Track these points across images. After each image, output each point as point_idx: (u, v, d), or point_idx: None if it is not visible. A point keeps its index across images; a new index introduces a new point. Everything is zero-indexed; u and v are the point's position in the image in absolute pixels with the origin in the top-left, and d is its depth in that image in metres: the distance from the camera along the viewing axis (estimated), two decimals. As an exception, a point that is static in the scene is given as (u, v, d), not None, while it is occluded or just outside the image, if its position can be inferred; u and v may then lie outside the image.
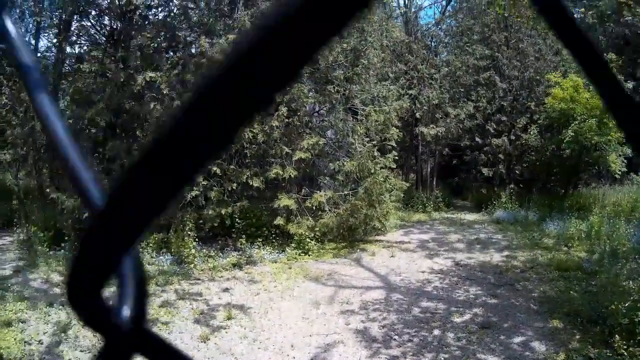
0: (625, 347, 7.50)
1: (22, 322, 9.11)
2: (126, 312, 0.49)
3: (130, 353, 0.51)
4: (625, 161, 21.99)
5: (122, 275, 0.52)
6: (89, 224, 0.43)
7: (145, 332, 0.51)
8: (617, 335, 7.78)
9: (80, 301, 0.47)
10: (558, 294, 11.26)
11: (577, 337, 8.66)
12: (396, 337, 9.07)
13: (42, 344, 8.35)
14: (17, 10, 18.94)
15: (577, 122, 20.51)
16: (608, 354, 7.76)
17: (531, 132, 25.29)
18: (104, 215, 0.42)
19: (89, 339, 8.52)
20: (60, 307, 9.93)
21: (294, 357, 8.23)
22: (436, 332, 9.29)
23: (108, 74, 16.11)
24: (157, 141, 0.37)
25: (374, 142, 17.35)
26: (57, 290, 11.08)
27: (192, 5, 17.17)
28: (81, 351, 8.14)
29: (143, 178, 0.39)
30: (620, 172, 21.67)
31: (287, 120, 15.39)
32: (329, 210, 16.21)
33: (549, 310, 10.20)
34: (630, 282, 9.87)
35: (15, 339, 7.96)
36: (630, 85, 23.89)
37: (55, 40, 17.74)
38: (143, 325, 0.50)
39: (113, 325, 0.47)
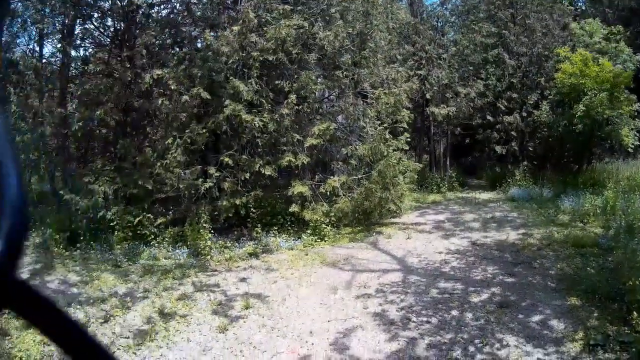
0: (643, 323, 7.49)
1: (40, 324, 9.17)
2: None
3: None
4: (637, 135, 21.92)
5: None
6: None
7: (16, 282, 0.47)
8: (635, 312, 7.74)
9: None
10: (575, 270, 11.23)
11: (595, 314, 8.63)
12: (414, 319, 9.08)
13: (60, 344, 8.41)
14: (19, 20, 18.98)
15: (587, 96, 20.45)
16: (627, 331, 7.73)
17: (542, 108, 25.25)
18: None
19: (107, 337, 8.58)
20: (79, 306, 9.99)
21: (313, 344, 8.25)
22: (454, 312, 9.29)
23: (115, 74, 16.14)
24: None
25: (385, 125, 17.31)
26: (74, 290, 11.14)
27: (194, 0, 17.18)
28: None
29: None
30: (633, 146, 21.61)
31: (297, 107, 15.36)
32: (344, 195, 16.21)
33: (566, 287, 10.17)
34: (647, 257, 9.83)
35: (34, 341, 7.99)
36: (639, 57, 23.70)
37: (59, 46, 17.78)
38: (14, 274, 0.45)
39: None
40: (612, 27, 23.85)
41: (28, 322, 0.47)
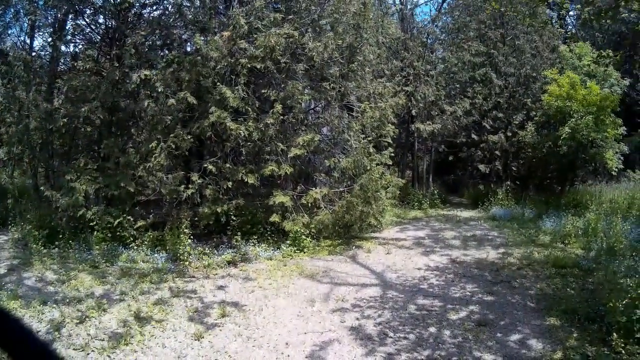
0: (623, 345, 7.46)
1: (15, 321, 9.04)
2: None
3: None
4: (621, 158, 22.09)
5: None
6: None
7: None
8: (614, 334, 7.73)
9: None
10: (555, 291, 11.24)
11: (575, 335, 8.61)
12: (392, 334, 9.02)
13: (35, 342, 8.29)
14: (12, 10, 18.85)
15: (573, 119, 20.60)
16: (606, 352, 7.70)
17: (528, 129, 25.42)
18: None
19: (82, 338, 8.48)
20: (55, 305, 9.90)
21: (289, 355, 8.17)
22: (432, 329, 9.24)
23: (103, 72, 16.04)
24: None
25: (369, 139, 17.32)
26: (51, 288, 11.05)
27: (187, 3, 17.13)
28: (74, 349, 8.07)
29: None
30: (616, 169, 21.79)
31: (282, 117, 15.32)
32: (325, 207, 16.16)
33: (545, 307, 10.17)
34: (628, 279, 9.82)
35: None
36: (627, 82, 23.88)
37: (50, 40, 17.62)
38: None
39: None
40: (602, 51, 24.01)
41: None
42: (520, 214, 21.55)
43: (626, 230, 15.33)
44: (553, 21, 30.35)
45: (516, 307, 10.35)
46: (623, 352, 7.35)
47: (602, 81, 22.80)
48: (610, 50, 23.33)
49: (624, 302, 8.34)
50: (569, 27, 37.01)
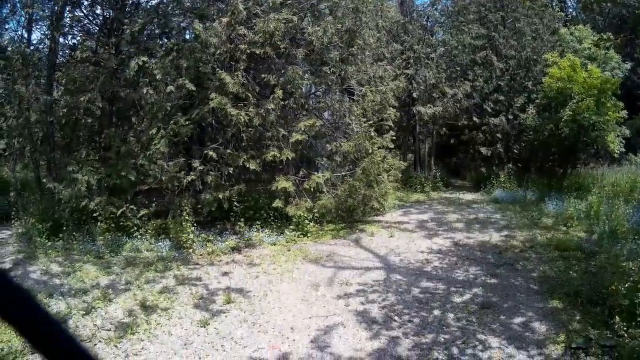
0: (625, 328, 7.44)
1: (23, 314, 9.04)
2: None
3: None
4: (623, 141, 22.06)
5: None
6: None
7: None
8: (617, 316, 7.71)
9: None
10: (558, 274, 11.24)
11: (577, 317, 8.62)
12: (396, 317, 9.04)
13: (42, 334, 8.29)
14: (9, 4, 18.78)
15: (574, 101, 20.54)
16: (608, 335, 7.72)
17: (529, 112, 25.35)
18: None
19: (89, 329, 8.49)
20: (61, 297, 9.90)
21: (294, 340, 8.19)
22: (436, 312, 9.26)
23: (101, 63, 15.98)
24: None
25: (370, 123, 17.30)
26: (56, 281, 11.04)
27: (185, -9, 17.06)
28: (82, 341, 8.06)
29: None
30: (618, 152, 21.77)
31: (283, 102, 15.30)
32: (327, 191, 16.17)
33: (548, 290, 10.18)
34: (630, 262, 9.83)
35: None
36: (628, 65, 23.83)
37: (47, 32, 17.54)
38: None
39: None
40: (602, 34, 23.99)
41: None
42: (522, 197, 21.58)
43: (628, 214, 15.31)
44: (553, 4, 30.28)
45: (519, 290, 10.37)
46: (625, 335, 7.34)
47: (602, 64, 22.75)
48: (610, 34, 23.30)
49: (627, 285, 8.35)
50: (570, 10, 36.88)
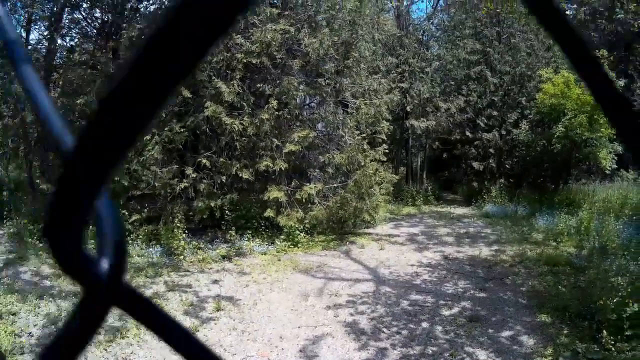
0: (612, 342, 7.51)
1: (12, 315, 9.03)
2: (105, 263, 0.48)
3: (109, 305, 0.50)
4: (615, 158, 22.15)
5: (101, 228, 0.51)
6: (63, 167, 0.42)
7: (124, 285, 0.51)
8: (605, 331, 7.78)
9: (61, 248, 0.46)
10: (547, 288, 11.28)
11: (565, 331, 8.67)
12: (385, 329, 9.08)
13: (32, 336, 8.29)
14: (9, 3, 18.83)
15: (567, 117, 20.62)
16: (596, 349, 7.77)
17: (522, 127, 25.46)
18: (76, 153, 0.41)
19: (78, 331, 8.49)
20: (51, 299, 9.90)
21: (283, 349, 8.22)
22: (424, 325, 9.30)
23: (99, 66, 16.03)
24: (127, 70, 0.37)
25: (364, 135, 17.35)
26: (47, 282, 11.02)
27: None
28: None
29: (114, 107, 0.39)
30: (610, 169, 21.86)
31: (277, 112, 15.33)
32: (319, 202, 16.22)
33: (537, 304, 10.23)
34: (619, 278, 9.87)
35: (5, 332, 7.90)
36: (622, 82, 23.97)
37: (46, 33, 17.60)
38: (122, 277, 0.50)
39: (93, 276, 0.47)
40: (597, 50, 24.07)
41: (136, 319, 0.51)
42: (513, 212, 21.64)
43: (618, 230, 15.36)
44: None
45: (508, 304, 10.42)
46: (613, 349, 7.42)
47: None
48: (605, 51, 23.40)
49: (615, 300, 8.41)
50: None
